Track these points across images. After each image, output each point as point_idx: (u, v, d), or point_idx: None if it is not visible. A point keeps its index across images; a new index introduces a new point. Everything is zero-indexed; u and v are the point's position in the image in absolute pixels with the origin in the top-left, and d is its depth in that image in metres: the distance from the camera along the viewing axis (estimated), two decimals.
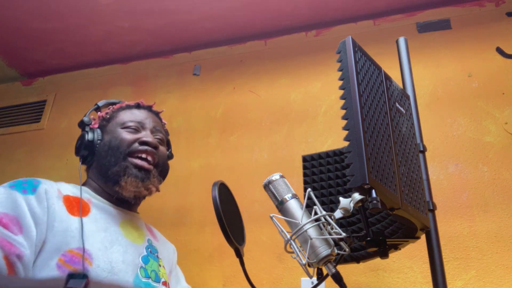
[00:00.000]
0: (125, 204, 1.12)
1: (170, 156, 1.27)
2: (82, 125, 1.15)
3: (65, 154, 2.18)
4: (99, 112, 1.20)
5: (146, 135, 1.12)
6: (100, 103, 1.22)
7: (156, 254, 1.12)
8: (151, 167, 1.10)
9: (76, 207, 1.00)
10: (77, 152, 1.12)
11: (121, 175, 1.05)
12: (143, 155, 1.09)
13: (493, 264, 1.38)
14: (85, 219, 0.98)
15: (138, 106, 1.20)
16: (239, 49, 2.19)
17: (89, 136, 1.11)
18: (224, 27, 2.14)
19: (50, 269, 0.86)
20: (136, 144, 1.09)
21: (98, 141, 1.11)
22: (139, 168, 1.07)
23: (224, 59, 2.19)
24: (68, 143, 2.21)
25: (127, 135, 1.10)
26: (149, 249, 1.10)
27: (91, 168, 1.13)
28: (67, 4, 2.04)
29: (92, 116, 1.19)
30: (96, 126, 1.16)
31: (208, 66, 2.20)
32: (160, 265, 1.10)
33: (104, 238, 0.98)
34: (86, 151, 1.10)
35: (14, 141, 2.35)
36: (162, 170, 1.16)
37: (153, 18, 2.10)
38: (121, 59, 2.38)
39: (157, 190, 1.13)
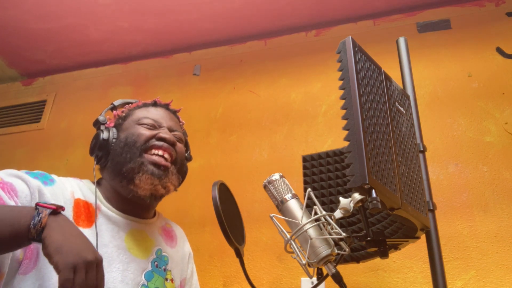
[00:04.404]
0: (137, 211, 1.08)
1: (189, 158, 1.22)
2: (97, 124, 1.10)
3: (65, 154, 2.18)
4: (114, 111, 1.16)
5: (163, 132, 1.07)
6: (116, 102, 1.17)
7: (164, 267, 1.07)
8: (168, 164, 1.05)
9: (84, 214, 0.97)
10: (91, 152, 1.08)
11: (136, 172, 1.01)
12: (160, 152, 1.04)
13: (493, 264, 1.38)
14: (88, 231, 0.95)
15: (154, 104, 1.16)
16: (239, 49, 2.19)
17: (104, 134, 1.06)
18: (224, 27, 2.14)
19: (54, 277, 0.85)
20: (153, 140, 1.05)
21: (114, 140, 1.06)
22: (156, 165, 1.02)
23: (224, 59, 2.19)
24: (68, 143, 2.21)
25: (144, 131, 1.06)
26: (156, 263, 1.06)
27: (106, 168, 1.08)
28: (67, 4, 2.04)
29: (108, 116, 1.15)
30: (112, 125, 1.11)
31: (208, 66, 2.20)
32: (166, 279, 1.07)
33: (104, 254, 0.94)
34: (101, 151, 1.05)
35: (14, 141, 2.35)
36: (180, 169, 1.11)
37: (153, 18, 2.10)
38: (121, 59, 2.38)
39: (175, 188, 1.08)
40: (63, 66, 2.46)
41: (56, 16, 2.11)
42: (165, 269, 1.08)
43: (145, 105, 1.15)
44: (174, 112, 1.19)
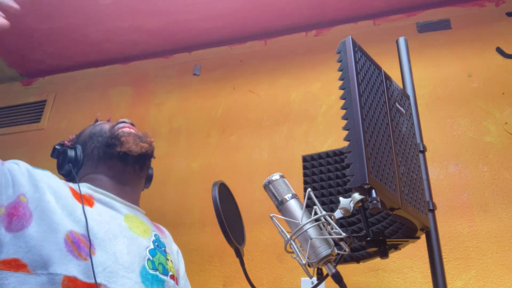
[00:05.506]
0: (126, 194, 1.11)
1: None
2: (55, 151, 1.17)
3: None
4: (69, 139, 1.25)
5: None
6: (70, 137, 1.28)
7: (163, 248, 1.10)
8: (138, 132, 1.17)
9: (84, 197, 1.00)
10: (60, 169, 1.14)
11: (120, 135, 1.11)
12: (126, 129, 1.16)
13: (493, 264, 1.38)
14: (89, 209, 0.97)
15: (97, 121, 1.27)
16: (239, 49, 2.19)
17: (70, 151, 1.13)
18: (224, 27, 2.14)
19: (58, 242, 0.86)
20: (114, 126, 1.16)
21: (78, 146, 1.15)
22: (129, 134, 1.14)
23: (224, 59, 2.19)
24: None
25: (103, 124, 1.17)
26: (156, 243, 1.08)
27: (82, 169, 1.13)
28: (67, 4, 2.04)
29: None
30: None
31: (208, 66, 2.20)
32: (168, 259, 1.09)
33: (108, 230, 0.96)
34: (69, 164, 1.11)
35: (14, 141, 2.35)
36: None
37: (153, 18, 2.10)
38: (121, 59, 2.38)
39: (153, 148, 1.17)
40: (63, 66, 2.46)
41: (56, 16, 2.11)
42: (164, 251, 1.11)
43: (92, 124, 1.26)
44: None
